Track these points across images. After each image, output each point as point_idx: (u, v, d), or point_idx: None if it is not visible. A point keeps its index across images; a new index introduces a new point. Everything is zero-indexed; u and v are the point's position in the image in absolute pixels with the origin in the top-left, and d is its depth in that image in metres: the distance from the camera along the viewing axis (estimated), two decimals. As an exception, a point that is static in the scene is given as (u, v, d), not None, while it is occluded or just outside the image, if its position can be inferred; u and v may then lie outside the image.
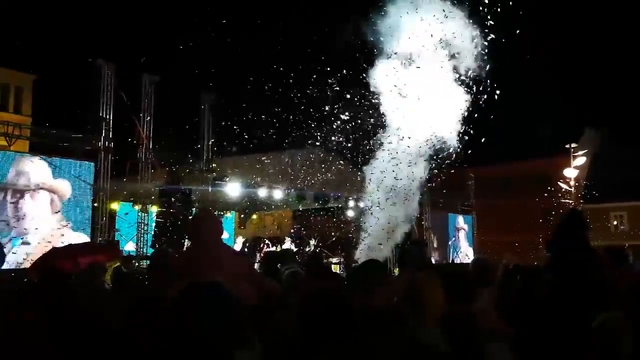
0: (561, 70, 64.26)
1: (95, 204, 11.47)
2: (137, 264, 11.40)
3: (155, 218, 13.06)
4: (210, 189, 13.86)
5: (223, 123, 13.39)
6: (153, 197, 13.43)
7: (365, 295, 2.71)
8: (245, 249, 17.21)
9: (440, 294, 2.25)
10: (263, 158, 14.31)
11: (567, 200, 25.91)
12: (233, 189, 14.10)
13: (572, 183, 26.11)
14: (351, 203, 16.97)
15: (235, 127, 13.09)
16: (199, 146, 13.51)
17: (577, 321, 3.35)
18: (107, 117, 11.49)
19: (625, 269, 4.77)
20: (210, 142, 13.55)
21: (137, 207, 13.36)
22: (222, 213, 18.01)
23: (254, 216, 19.12)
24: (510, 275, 5.42)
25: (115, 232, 13.61)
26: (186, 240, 14.05)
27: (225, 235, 18.25)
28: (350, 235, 23.74)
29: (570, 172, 26.17)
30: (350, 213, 18.27)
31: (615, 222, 32.35)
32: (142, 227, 12.62)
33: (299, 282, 3.45)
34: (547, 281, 4.57)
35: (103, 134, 11.43)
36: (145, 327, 2.04)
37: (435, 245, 18.57)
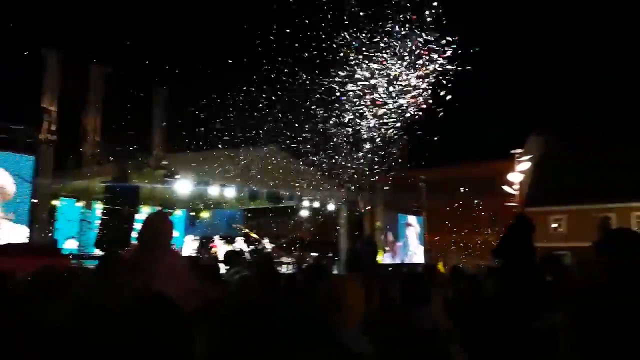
0: (510, 76, 66.73)
1: (35, 200, 10.87)
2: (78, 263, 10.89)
3: (99, 215, 12.54)
4: (159, 185, 13.44)
5: (175, 119, 13.04)
6: (98, 194, 12.89)
7: (311, 295, 2.72)
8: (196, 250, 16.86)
9: (360, 297, 2.23)
10: (215, 154, 14.03)
11: (511, 204, 26.93)
12: (183, 186, 13.72)
13: (516, 187, 27.18)
14: (305, 203, 16.93)
15: (187, 123, 12.79)
16: (149, 142, 13.08)
17: (521, 321, 3.47)
18: (51, 108, 10.92)
19: (560, 272, 4.92)
20: (161, 138, 13.14)
21: (80, 204, 12.79)
22: (171, 211, 17.56)
23: (204, 213, 18.75)
24: (456, 277, 5.55)
25: (55, 230, 13.01)
26: (133, 240, 13.62)
27: (175, 234, 17.83)
28: (304, 234, 23.78)
29: (515, 177, 27.24)
30: (304, 213, 18.24)
31: (554, 225, 33.90)
32: (86, 224, 12.08)
33: (248, 289, 3.41)
34: (495, 285, 4.69)
35: (45, 126, 10.84)
36: (89, 333, 1.93)
37: (387, 246, 18.82)
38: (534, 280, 4.31)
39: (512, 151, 27.84)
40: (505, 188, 27.03)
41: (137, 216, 13.41)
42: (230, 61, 11.20)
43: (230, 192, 14.63)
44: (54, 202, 13.94)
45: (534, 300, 3.89)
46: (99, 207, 12.89)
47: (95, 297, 2.89)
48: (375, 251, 5.45)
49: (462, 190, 35.51)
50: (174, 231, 3.11)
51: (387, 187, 19.52)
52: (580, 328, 2.28)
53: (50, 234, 12.24)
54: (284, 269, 16.30)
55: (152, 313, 1.60)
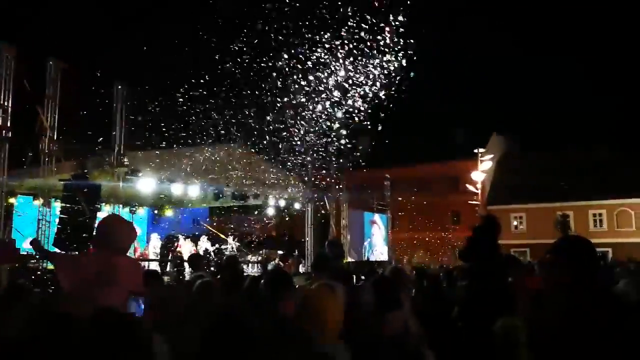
0: (474, 78, 68.12)
1: (-10, 198, 10.51)
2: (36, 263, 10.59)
3: (58, 214, 12.20)
4: (121, 184, 13.17)
5: (137, 115, 12.79)
6: (57, 192, 12.55)
7: (274, 304, 2.71)
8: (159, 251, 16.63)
9: (338, 308, 2.22)
10: (176, 151, 13.84)
11: (474, 202, 27.59)
12: (146, 184, 13.49)
13: (478, 186, 27.83)
14: (271, 201, 16.89)
15: (149, 120, 12.58)
16: (109, 139, 12.79)
17: (484, 324, 3.51)
18: (6, 104, 10.55)
19: (521, 272, 4.94)
20: (122, 135, 12.86)
21: (37, 202, 12.42)
22: (134, 209, 17.24)
23: (168, 212, 18.48)
24: (420, 278, 5.63)
25: (11, 229, 12.58)
26: (93, 240, 13.31)
27: (138, 232, 17.53)
28: (269, 233, 23.71)
29: (478, 176, 27.91)
30: (270, 211, 18.20)
31: (515, 223, 34.84)
32: (44, 223, 11.73)
33: (210, 295, 3.41)
34: (461, 287, 4.69)
35: (0, 122, 10.48)
36: (46, 345, 1.87)
37: (350, 244, 18.96)
38: (497, 283, 4.31)
39: (475, 151, 28.50)
40: (469, 187, 27.65)
41: (98, 214, 13.13)
42: (192, 58, 11.09)
43: (194, 191, 14.47)
44: (11, 200, 13.50)
45: (498, 303, 3.88)
46: (58, 206, 12.54)
47: (51, 305, 2.85)
48: (341, 254, 5.44)
49: (426, 189, 36.12)
50: (131, 234, 3.06)
51: (352, 185, 19.68)
52: (535, 331, 2.37)
53: (5, 236, 11.84)
54: (249, 269, 16.25)
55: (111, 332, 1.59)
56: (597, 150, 33.21)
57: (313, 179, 17.62)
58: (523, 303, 3.91)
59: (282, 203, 17.12)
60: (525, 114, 67.44)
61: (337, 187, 18.49)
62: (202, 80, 11.65)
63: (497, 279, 4.33)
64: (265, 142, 12.59)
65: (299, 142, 11.91)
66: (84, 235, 12.14)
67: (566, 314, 2.16)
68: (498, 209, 33.33)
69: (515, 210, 34.75)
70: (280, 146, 12.51)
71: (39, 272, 10.44)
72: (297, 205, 17.63)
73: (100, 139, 12.48)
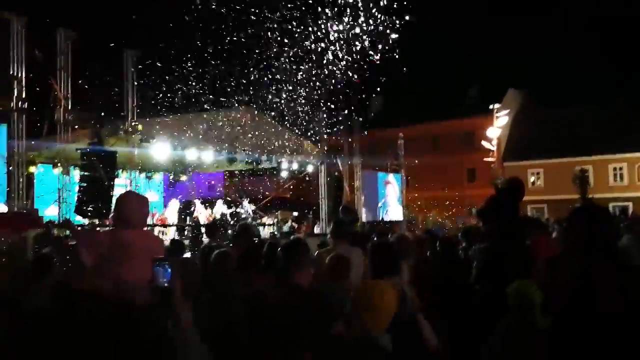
0: (488, 32, 66.19)
1: (11, 168, 10.80)
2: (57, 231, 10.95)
3: (77, 181, 12.52)
4: (136, 150, 13.39)
5: (148, 81, 12.87)
6: (75, 160, 12.83)
7: (295, 274, 2.82)
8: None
9: (393, 299, 2.27)
10: (190, 117, 13.96)
11: (489, 159, 27.34)
12: (160, 150, 13.70)
13: (494, 142, 27.50)
14: (284, 164, 17.02)
15: (162, 86, 12.65)
16: (122, 106, 12.93)
17: (500, 287, 3.52)
18: (20, 75, 10.70)
19: (539, 235, 4.82)
20: (134, 102, 12.99)
21: (57, 170, 12.71)
22: (150, 175, 17.56)
23: (184, 177, 18.76)
24: (432, 241, 5.56)
25: (34, 198, 12.97)
26: (112, 207, 13.65)
27: (155, 198, 17.87)
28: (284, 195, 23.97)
29: (493, 132, 27.53)
30: (283, 174, 18.36)
31: (532, 179, 34.52)
32: (64, 191, 12.06)
33: (227, 268, 3.49)
34: (478, 250, 4.61)
35: (16, 94, 10.65)
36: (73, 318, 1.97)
37: (364, 205, 19.12)
38: (516, 246, 4.25)
39: (490, 107, 28.02)
40: (484, 143, 27.33)
41: (116, 181, 13.44)
42: (201, 24, 11.02)
43: (208, 156, 14.65)
44: (32, 169, 13.84)
45: (515, 266, 3.83)
46: (77, 174, 12.85)
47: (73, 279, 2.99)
48: (355, 219, 5.51)
49: (440, 147, 35.83)
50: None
51: (365, 146, 19.66)
52: (550, 294, 2.45)
53: (29, 202, 12.23)
54: (265, 231, 16.56)
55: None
56: (617, 102, 32.32)
57: (326, 140, 17.66)
58: (539, 266, 3.92)
59: (295, 166, 17.25)
60: (541, 67, 65.71)
61: (349, 147, 18.52)
62: (212, 45, 11.60)
63: (516, 241, 4.29)
64: (276, 104, 12.59)
65: (309, 103, 11.88)
66: (103, 202, 12.49)
67: (578, 279, 2.25)
68: (514, 165, 33.04)
69: (533, 166, 34.38)
70: (290, 107, 12.51)
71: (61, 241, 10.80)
72: (310, 168, 17.74)
73: (112, 107, 12.63)
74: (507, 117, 29.26)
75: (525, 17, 65.13)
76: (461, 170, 36.33)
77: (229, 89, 12.40)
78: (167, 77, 12.32)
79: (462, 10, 66.53)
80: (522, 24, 68.43)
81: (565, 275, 2.41)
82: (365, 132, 19.08)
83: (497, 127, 27.59)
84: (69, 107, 11.80)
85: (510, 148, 34.71)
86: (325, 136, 17.58)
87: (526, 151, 33.62)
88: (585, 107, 33.39)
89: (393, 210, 22.28)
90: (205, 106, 13.59)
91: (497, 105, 28.21)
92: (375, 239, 5.74)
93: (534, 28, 66.40)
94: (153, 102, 13.13)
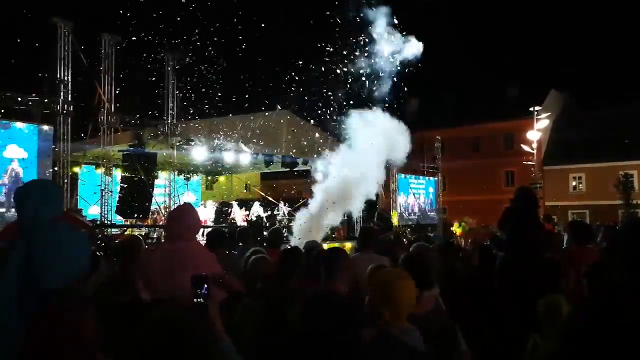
0: (528, 34, 64.66)
1: (56, 168, 11.16)
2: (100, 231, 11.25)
3: (119, 182, 12.84)
4: (175, 152, 13.64)
5: (188, 86, 13.09)
6: (117, 161, 13.17)
7: (329, 281, 2.78)
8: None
9: (412, 288, 2.23)
10: (228, 120, 14.11)
11: (529, 162, 26.62)
12: (199, 152, 13.92)
13: (534, 145, 26.77)
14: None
15: (201, 89, 12.84)
16: (163, 109, 13.20)
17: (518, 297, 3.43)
18: (66, 79, 11.04)
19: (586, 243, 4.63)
20: (174, 105, 13.24)
21: (99, 171, 13.06)
22: (188, 176, 17.86)
23: (221, 178, 19.01)
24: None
25: (78, 198, 13.37)
26: (153, 205, 13.93)
27: (192, 199, 18.14)
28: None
29: (533, 135, 26.80)
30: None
31: (574, 183, 33.44)
32: (107, 192, 12.37)
33: (263, 271, 3.50)
34: (500, 260, 4.53)
35: (62, 97, 11.00)
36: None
37: (400, 209, 18.91)
38: (530, 255, 4.20)
39: (531, 109, 27.28)
40: (524, 146, 26.65)
41: (156, 182, 13.73)
42: (240, 27, 11.14)
43: (245, 158, 14.79)
44: (75, 170, 14.27)
45: (531, 276, 3.78)
46: (118, 174, 13.19)
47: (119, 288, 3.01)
48: (389, 227, 5.46)
49: (478, 150, 35.13)
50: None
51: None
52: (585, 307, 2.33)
53: (73, 205, 12.59)
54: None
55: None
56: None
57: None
58: (572, 278, 3.81)
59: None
60: (583, 69, 63.62)
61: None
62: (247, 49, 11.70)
63: (530, 251, 4.26)
64: (313, 107, 12.59)
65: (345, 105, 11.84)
66: (143, 202, 12.78)
67: (619, 295, 2.13)
68: (555, 169, 32.08)
69: (574, 170, 33.27)
70: (326, 110, 12.49)
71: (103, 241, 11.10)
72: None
73: (153, 110, 12.89)
74: (548, 119, 28.46)
75: (567, 16, 63.36)
76: (499, 174, 35.51)
77: (266, 92, 12.48)
78: (207, 81, 12.49)
79: (503, 10, 65.17)
80: (565, 23, 66.53)
81: (606, 290, 2.28)
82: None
83: (537, 130, 26.86)
84: (112, 110, 12.10)
85: (551, 151, 33.70)
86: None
87: (567, 155, 32.57)
88: (630, 108, 32.10)
89: (429, 214, 22.00)
90: (245, 106, 13.74)
91: (537, 108, 27.45)
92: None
93: (576, 27, 64.46)
94: (192, 105, 13.35)
